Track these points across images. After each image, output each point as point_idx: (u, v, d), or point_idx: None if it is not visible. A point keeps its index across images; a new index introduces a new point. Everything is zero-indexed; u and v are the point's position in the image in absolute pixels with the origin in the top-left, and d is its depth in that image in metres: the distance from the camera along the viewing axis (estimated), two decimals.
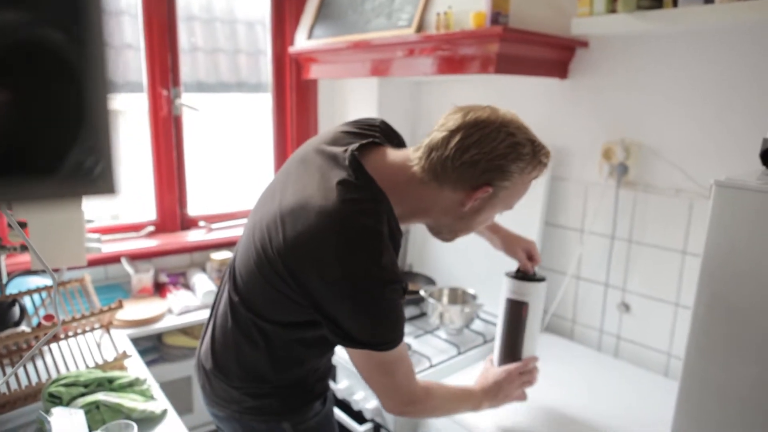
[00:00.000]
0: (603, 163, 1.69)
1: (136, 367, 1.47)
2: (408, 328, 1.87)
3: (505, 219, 1.90)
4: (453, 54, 1.65)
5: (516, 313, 1.35)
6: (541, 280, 1.36)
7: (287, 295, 0.96)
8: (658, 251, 1.63)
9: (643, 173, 1.64)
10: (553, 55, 1.69)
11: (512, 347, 1.36)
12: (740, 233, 0.88)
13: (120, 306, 1.41)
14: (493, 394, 1.26)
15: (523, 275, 1.36)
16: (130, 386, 1.29)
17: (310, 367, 1.11)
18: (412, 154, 0.98)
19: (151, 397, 1.31)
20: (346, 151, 0.97)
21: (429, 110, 2.30)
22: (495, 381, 1.27)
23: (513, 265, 1.41)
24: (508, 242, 1.39)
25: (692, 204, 1.54)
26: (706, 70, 1.47)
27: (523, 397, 1.32)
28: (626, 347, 1.75)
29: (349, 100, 2.43)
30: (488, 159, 0.91)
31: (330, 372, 1.19)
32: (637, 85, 1.62)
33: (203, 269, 2.22)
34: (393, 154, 1.01)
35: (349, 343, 0.94)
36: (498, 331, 1.40)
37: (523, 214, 1.87)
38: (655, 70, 1.57)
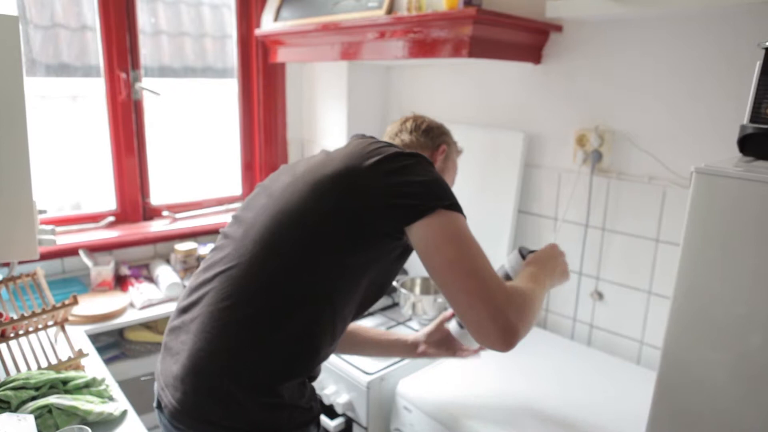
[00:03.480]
0: (577, 150, 1.67)
1: (93, 366, 1.40)
2: (379, 319, 1.83)
3: (480, 206, 1.88)
4: (425, 37, 1.60)
5: None
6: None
7: (356, 212, 0.97)
8: (631, 239, 1.62)
9: (617, 160, 1.62)
10: (526, 39, 1.65)
11: None
12: (720, 221, 0.86)
13: (74, 302, 1.33)
14: (551, 268, 1.18)
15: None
16: (87, 387, 1.22)
17: (313, 372, 1.02)
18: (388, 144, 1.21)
19: (110, 398, 1.24)
20: (357, 137, 1.17)
21: (400, 95, 2.25)
22: (547, 255, 1.21)
23: None
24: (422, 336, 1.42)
25: (665, 191, 1.53)
26: (681, 55, 1.46)
27: (568, 275, 1.25)
28: (599, 335, 1.74)
29: (318, 85, 2.36)
30: (435, 127, 1.30)
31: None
32: (611, 70, 1.59)
33: (167, 261, 2.13)
34: None
35: (428, 205, 0.95)
36: None
37: (496, 203, 1.84)
38: (630, 56, 1.55)
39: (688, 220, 0.89)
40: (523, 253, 1.27)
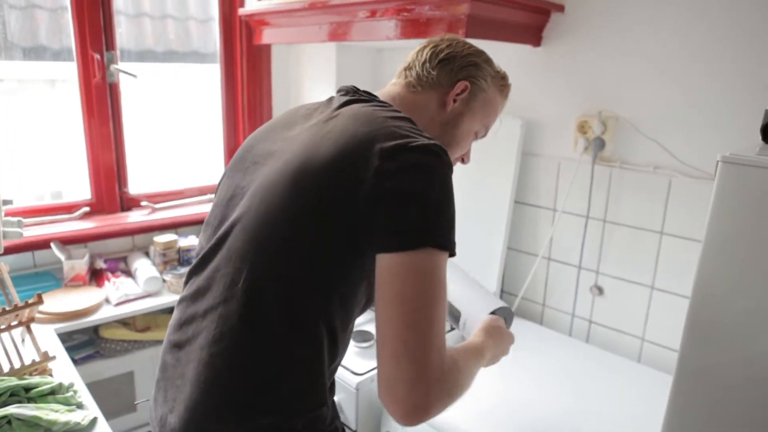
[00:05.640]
0: (578, 138, 1.58)
1: (62, 369, 1.30)
2: (366, 316, 1.75)
3: (475, 196, 1.79)
4: (418, 16, 1.50)
5: None
6: None
7: (339, 218, 0.77)
8: (633, 231, 1.54)
9: (621, 148, 1.54)
10: (526, 19, 1.56)
11: None
12: (748, 215, 0.78)
13: (39, 301, 1.22)
14: (500, 351, 1.04)
15: None
16: (52, 394, 1.12)
17: (325, 399, 0.88)
18: (393, 82, 1.03)
19: (78, 405, 1.15)
20: (344, 93, 0.96)
21: (391, 80, 2.14)
22: (496, 327, 1.05)
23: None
24: None
25: (671, 182, 1.45)
26: (690, 35, 1.37)
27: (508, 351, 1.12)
28: (599, 332, 1.67)
29: (305, 68, 2.25)
30: (461, 56, 0.98)
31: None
32: (616, 53, 1.51)
33: (146, 254, 2.03)
34: (377, 92, 1.00)
35: (414, 240, 0.73)
36: None
37: (492, 192, 1.76)
38: (635, 38, 1.46)
39: (711, 214, 0.81)
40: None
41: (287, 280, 0.79)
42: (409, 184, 0.75)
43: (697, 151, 1.40)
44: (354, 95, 0.93)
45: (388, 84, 1.04)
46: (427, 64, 0.98)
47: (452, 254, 0.78)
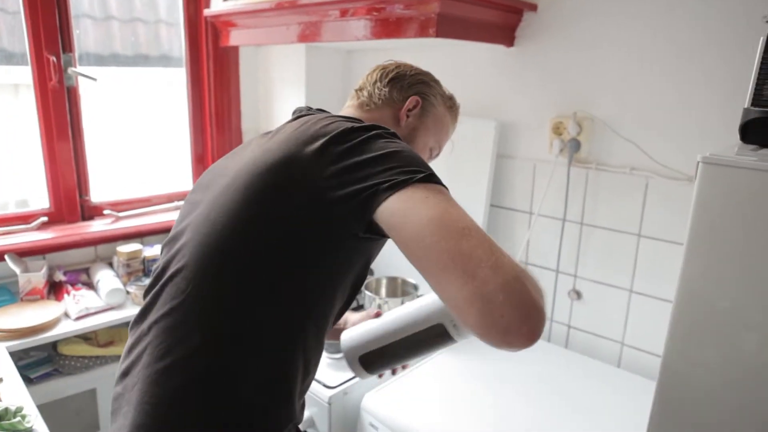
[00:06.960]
0: (553, 139, 1.55)
1: (12, 392, 1.21)
2: None
3: None
4: (389, 15, 1.45)
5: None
6: None
7: (305, 208, 0.74)
8: (611, 234, 1.52)
9: (597, 150, 1.51)
10: (498, 19, 1.52)
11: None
12: (730, 215, 0.75)
13: None
14: None
15: None
16: None
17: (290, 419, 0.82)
18: (347, 104, 1.05)
19: (27, 431, 1.06)
20: (298, 112, 0.97)
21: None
22: None
23: None
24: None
25: (648, 183, 1.43)
26: (665, 34, 1.35)
27: None
28: (577, 337, 1.64)
29: (274, 70, 2.19)
30: (410, 75, 1.03)
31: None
32: (590, 53, 1.48)
33: (110, 264, 1.94)
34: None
35: (391, 180, 0.70)
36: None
37: (467, 196, 1.72)
38: (610, 37, 1.44)
39: (693, 216, 0.77)
40: None
41: (239, 287, 0.75)
42: (367, 151, 0.74)
43: (673, 151, 1.38)
44: (307, 112, 0.95)
45: (343, 108, 1.06)
46: (378, 83, 1.02)
47: (442, 185, 0.75)
